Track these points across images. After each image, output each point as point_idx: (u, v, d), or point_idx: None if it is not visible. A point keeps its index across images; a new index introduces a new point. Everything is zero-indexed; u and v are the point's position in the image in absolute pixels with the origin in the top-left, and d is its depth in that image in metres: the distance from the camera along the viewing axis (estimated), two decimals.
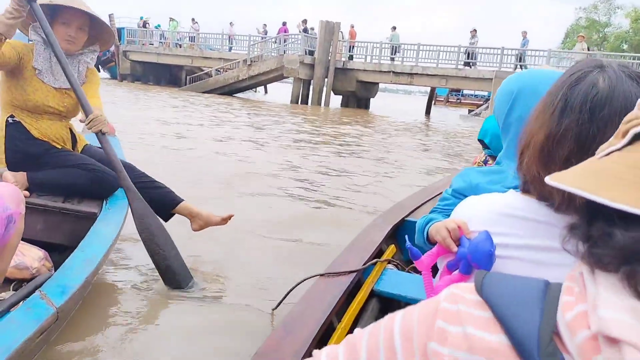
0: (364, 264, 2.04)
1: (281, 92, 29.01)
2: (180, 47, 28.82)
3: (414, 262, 1.19)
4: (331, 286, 1.84)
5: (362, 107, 25.12)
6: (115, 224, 2.58)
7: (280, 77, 24.62)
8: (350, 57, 24.78)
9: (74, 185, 2.69)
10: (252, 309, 2.48)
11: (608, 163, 0.44)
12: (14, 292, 2.04)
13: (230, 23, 28.46)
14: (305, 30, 24.65)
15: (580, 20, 41.51)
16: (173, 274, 2.58)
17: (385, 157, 8.38)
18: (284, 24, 25.83)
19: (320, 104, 23.69)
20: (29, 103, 2.63)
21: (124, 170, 2.64)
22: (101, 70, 31.18)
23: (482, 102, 34.46)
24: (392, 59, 23.73)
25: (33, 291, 1.82)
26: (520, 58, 21.46)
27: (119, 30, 28.80)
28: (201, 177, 5.29)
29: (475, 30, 23.03)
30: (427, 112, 28.38)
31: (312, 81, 23.98)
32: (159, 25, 30.55)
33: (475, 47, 22.48)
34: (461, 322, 0.47)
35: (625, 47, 36.58)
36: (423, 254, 1.17)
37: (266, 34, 26.81)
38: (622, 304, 0.39)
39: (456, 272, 1.06)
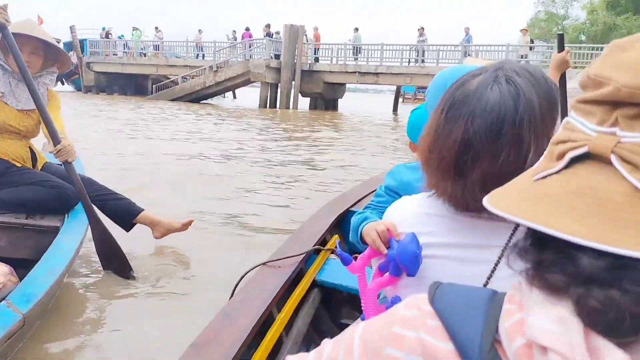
0: (306, 254, 2.04)
1: (250, 96, 28.99)
2: (145, 56, 28.56)
3: (346, 267, 1.21)
4: (272, 276, 1.83)
5: (330, 109, 25.37)
6: (77, 236, 2.69)
7: (247, 82, 24.65)
8: (316, 60, 25.00)
9: (35, 201, 2.79)
10: (211, 299, 2.58)
11: (550, 189, 0.44)
12: None
13: (199, 30, 28.38)
14: (269, 35, 24.76)
15: (540, 13, 42.52)
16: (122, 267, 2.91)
17: (343, 155, 8.59)
18: (247, 29, 25.90)
19: (288, 107, 23.83)
20: None
21: (85, 194, 2.77)
22: (65, 82, 30.74)
23: None
24: (356, 59, 24.04)
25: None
26: (465, 54, 22.16)
27: (81, 41, 28.38)
28: (159, 181, 5.43)
29: (422, 28, 23.70)
30: (395, 109, 28.85)
31: (279, 85, 24.10)
32: (122, 36, 30.21)
33: (424, 44, 23.23)
34: (416, 328, 0.50)
35: (583, 38, 37.65)
36: (359, 253, 1.20)
37: (235, 40, 26.83)
38: (551, 312, 0.41)
39: (387, 274, 1.06)
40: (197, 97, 24.85)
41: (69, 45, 28.80)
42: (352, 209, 2.69)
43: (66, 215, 2.87)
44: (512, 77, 0.88)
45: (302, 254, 2.00)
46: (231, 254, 3.37)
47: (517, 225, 0.78)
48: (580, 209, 0.41)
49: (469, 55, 21.67)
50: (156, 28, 29.25)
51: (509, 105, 0.86)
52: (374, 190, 3.15)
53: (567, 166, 0.44)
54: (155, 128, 11.58)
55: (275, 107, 24.05)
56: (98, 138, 8.92)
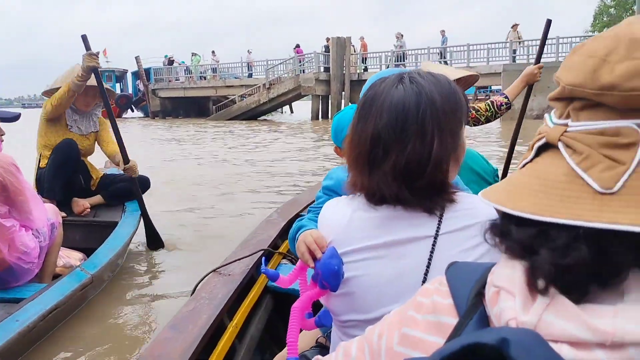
0: (257, 260, 2.02)
1: (306, 109, 29.98)
2: (205, 79, 30.31)
3: (274, 283, 1.19)
4: (223, 283, 1.79)
5: None
6: (131, 227, 3.53)
7: (299, 97, 25.63)
8: (365, 69, 25.57)
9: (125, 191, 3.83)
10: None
11: (522, 176, 0.51)
12: None
13: (248, 51, 29.97)
14: (327, 49, 25.44)
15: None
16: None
17: None
18: (297, 46, 26.92)
19: None
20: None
21: (141, 196, 3.81)
22: (135, 109, 33.09)
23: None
24: (404, 65, 24.37)
25: (76, 268, 2.77)
26: (441, 55, 22.92)
27: (146, 70, 30.55)
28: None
29: (401, 35, 24.48)
30: None
31: (329, 96, 24.88)
32: (183, 62, 32.17)
33: (404, 49, 24.25)
34: (433, 294, 0.61)
35: None
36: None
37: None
38: (507, 263, 0.52)
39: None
40: (253, 115, 26.08)
41: (136, 74, 31.15)
42: (303, 213, 2.70)
43: (122, 213, 3.74)
44: (415, 78, 0.98)
45: (247, 256, 2.00)
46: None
47: (442, 214, 0.95)
48: (534, 190, 0.48)
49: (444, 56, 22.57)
50: (213, 52, 30.94)
51: (412, 100, 0.94)
52: None
53: (536, 155, 0.52)
54: (199, 145, 12.57)
55: (327, 117, 24.83)
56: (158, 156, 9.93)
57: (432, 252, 0.94)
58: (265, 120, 25.53)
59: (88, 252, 3.22)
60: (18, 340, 2.00)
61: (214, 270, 1.89)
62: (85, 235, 3.52)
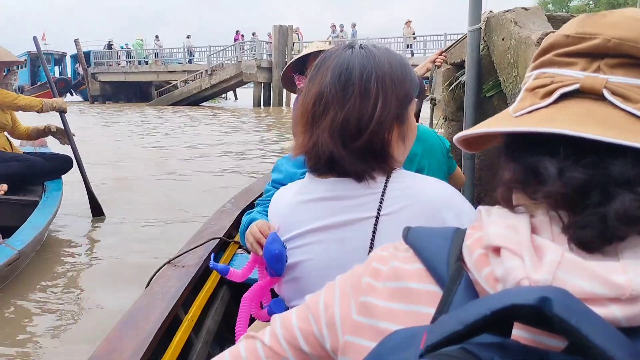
0: (211, 250, 1.98)
1: (250, 96, 30.23)
2: (147, 64, 29.94)
3: (226, 278, 1.18)
4: (176, 276, 1.76)
5: None
6: (53, 206, 3.79)
7: (241, 83, 25.89)
8: None
9: (15, 174, 3.91)
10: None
11: (547, 115, 0.49)
12: None
13: (188, 36, 29.73)
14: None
15: None
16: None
17: None
18: (237, 32, 27.13)
19: (281, 104, 24.97)
20: None
21: (77, 150, 4.26)
22: (74, 93, 32.27)
23: None
24: None
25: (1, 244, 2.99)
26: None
27: (86, 53, 29.77)
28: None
29: (334, 25, 25.93)
30: None
31: (271, 84, 25.28)
32: (122, 46, 31.58)
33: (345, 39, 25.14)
34: (390, 260, 0.59)
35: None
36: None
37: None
38: (503, 223, 0.50)
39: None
40: (195, 100, 26.10)
41: (75, 58, 30.40)
42: (258, 201, 2.64)
43: (43, 192, 3.98)
44: (367, 47, 0.99)
45: (201, 244, 1.98)
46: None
47: (383, 194, 0.91)
48: (590, 123, 0.46)
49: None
50: (156, 37, 30.53)
51: (358, 61, 0.94)
52: None
53: (555, 102, 0.50)
54: (138, 129, 12.82)
55: (269, 105, 25.22)
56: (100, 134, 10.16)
57: (374, 233, 0.92)
58: (205, 106, 25.63)
59: (3, 230, 3.32)
60: None
61: (167, 263, 1.86)
62: (2, 213, 3.65)
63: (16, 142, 4.40)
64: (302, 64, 3.05)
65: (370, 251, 0.90)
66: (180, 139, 10.99)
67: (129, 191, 5.68)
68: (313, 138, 0.95)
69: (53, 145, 4.79)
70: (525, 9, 2.81)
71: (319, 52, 2.90)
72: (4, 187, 3.83)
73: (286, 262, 0.99)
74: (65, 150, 4.46)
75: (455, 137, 0.57)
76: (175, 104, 25.63)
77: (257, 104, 25.42)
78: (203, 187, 5.91)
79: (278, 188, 1.25)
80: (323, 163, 0.96)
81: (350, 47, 0.99)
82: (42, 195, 3.95)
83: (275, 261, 0.98)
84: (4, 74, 4.07)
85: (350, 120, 0.92)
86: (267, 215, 1.20)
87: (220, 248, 2.12)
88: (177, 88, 26.84)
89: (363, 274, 0.61)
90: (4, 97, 3.91)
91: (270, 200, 1.22)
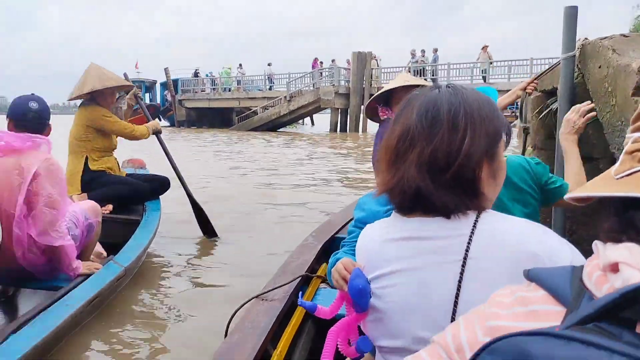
0: (297, 285, 2.03)
1: (326, 122, 30.69)
2: (229, 91, 31.33)
3: (314, 314, 1.21)
4: (264, 311, 1.81)
5: None
6: (154, 225, 3.94)
7: (318, 109, 26.41)
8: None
9: (120, 196, 4.21)
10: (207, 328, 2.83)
11: None
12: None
13: (269, 64, 30.75)
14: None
15: None
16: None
17: None
18: (315, 59, 27.81)
19: (357, 130, 25.12)
20: (109, 147, 4.28)
21: (179, 171, 4.53)
22: (162, 119, 34.26)
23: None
24: (426, 79, 24.70)
25: (109, 261, 3.09)
26: (433, 72, 24.12)
27: (174, 81, 31.78)
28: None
29: (415, 51, 25.48)
30: None
31: (348, 109, 25.55)
32: (207, 74, 33.32)
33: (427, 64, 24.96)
34: (514, 293, 0.63)
35: None
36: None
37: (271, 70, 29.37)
38: (619, 247, 0.54)
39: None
40: (273, 126, 26.88)
41: (164, 85, 32.41)
42: (338, 235, 2.72)
43: (144, 212, 4.19)
44: (453, 85, 1.00)
45: (288, 283, 2.04)
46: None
47: (471, 237, 0.89)
48: None
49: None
50: (240, 65, 31.97)
51: (445, 98, 0.95)
52: None
53: None
54: (221, 151, 13.33)
55: (346, 130, 25.46)
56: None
57: (461, 276, 0.89)
58: (283, 132, 26.28)
59: (109, 246, 3.50)
60: (68, 321, 2.23)
61: (254, 297, 1.93)
62: (108, 231, 3.76)
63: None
64: (386, 96, 3.08)
65: (457, 295, 0.89)
66: (258, 164, 11.25)
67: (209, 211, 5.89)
68: (398, 174, 0.94)
69: (151, 167, 5.07)
70: (624, 35, 2.68)
71: (405, 86, 2.93)
72: (110, 207, 4.06)
73: (370, 297, 0.98)
74: (163, 170, 4.69)
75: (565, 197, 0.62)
76: (254, 129, 26.51)
77: (333, 129, 25.75)
78: (282, 214, 6.01)
79: (362, 227, 1.22)
80: (409, 199, 0.94)
81: (437, 87, 0.99)
82: (143, 214, 4.12)
83: (359, 296, 0.98)
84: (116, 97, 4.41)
85: (439, 153, 0.91)
86: (353, 256, 1.19)
87: (304, 282, 2.15)
88: (257, 114, 27.75)
89: (487, 307, 0.65)
90: (123, 128, 4.22)
91: (354, 240, 1.21)
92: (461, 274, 0.89)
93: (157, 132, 4.55)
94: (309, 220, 5.47)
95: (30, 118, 2.65)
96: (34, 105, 2.68)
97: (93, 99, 4.16)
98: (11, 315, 2.84)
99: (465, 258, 0.89)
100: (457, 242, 0.91)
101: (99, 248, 3.55)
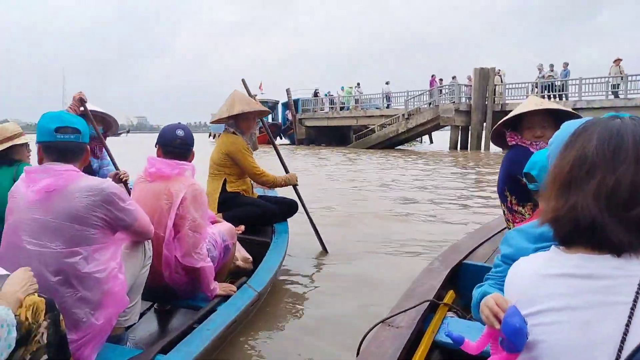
0: (423, 312, 1.99)
1: (445, 139, 29.93)
2: (348, 109, 31.83)
3: (460, 348, 1.17)
4: (391, 338, 1.81)
5: None
6: (282, 248, 4.02)
7: (437, 127, 25.73)
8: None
9: (252, 218, 4.35)
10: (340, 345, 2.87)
11: None
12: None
13: (387, 82, 30.89)
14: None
15: None
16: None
17: None
18: (433, 76, 27.28)
19: (479, 148, 24.12)
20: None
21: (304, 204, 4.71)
22: (283, 137, 35.78)
23: None
24: (549, 97, 23.23)
25: (243, 284, 3.17)
26: (562, 88, 22.64)
27: (295, 101, 33.14)
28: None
29: (542, 65, 23.92)
30: None
31: (469, 127, 24.69)
32: (326, 94, 34.25)
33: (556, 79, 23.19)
34: None
35: None
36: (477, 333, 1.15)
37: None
38: None
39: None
40: (391, 144, 26.75)
41: (285, 105, 33.92)
42: (466, 261, 2.65)
43: (272, 234, 4.31)
44: (637, 117, 0.94)
45: (414, 306, 2.02)
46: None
47: None
48: None
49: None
50: (357, 84, 32.41)
51: (630, 129, 0.90)
52: (486, 240, 3.01)
53: None
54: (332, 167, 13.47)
55: (466, 148, 24.58)
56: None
57: (629, 320, 0.83)
58: (401, 149, 26.02)
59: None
60: (211, 346, 2.28)
61: (381, 322, 1.92)
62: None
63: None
64: (514, 121, 2.85)
65: (622, 340, 0.82)
66: (380, 181, 11.20)
67: (333, 228, 5.91)
68: (570, 201, 0.89)
69: (280, 190, 5.18)
70: None
71: (537, 110, 2.69)
72: (242, 228, 4.11)
73: (527, 338, 0.93)
74: (291, 193, 4.84)
75: None
76: (371, 147, 26.58)
77: (453, 147, 24.98)
78: (406, 234, 5.88)
79: (508, 263, 1.19)
80: (582, 229, 0.88)
81: (617, 117, 0.94)
82: (272, 236, 4.20)
83: (515, 336, 0.93)
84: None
85: (622, 186, 0.85)
86: (499, 291, 1.15)
87: (431, 310, 2.09)
88: (375, 132, 27.85)
89: None
90: (253, 168, 4.32)
91: (500, 275, 1.20)
92: (630, 317, 0.83)
93: (291, 185, 4.67)
94: (430, 244, 5.34)
95: (177, 145, 2.82)
96: (180, 133, 2.85)
97: (235, 123, 4.37)
98: (158, 331, 3.01)
99: (635, 301, 0.84)
100: (627, 283, 0.85)
101: (244, 253, 3.71)
